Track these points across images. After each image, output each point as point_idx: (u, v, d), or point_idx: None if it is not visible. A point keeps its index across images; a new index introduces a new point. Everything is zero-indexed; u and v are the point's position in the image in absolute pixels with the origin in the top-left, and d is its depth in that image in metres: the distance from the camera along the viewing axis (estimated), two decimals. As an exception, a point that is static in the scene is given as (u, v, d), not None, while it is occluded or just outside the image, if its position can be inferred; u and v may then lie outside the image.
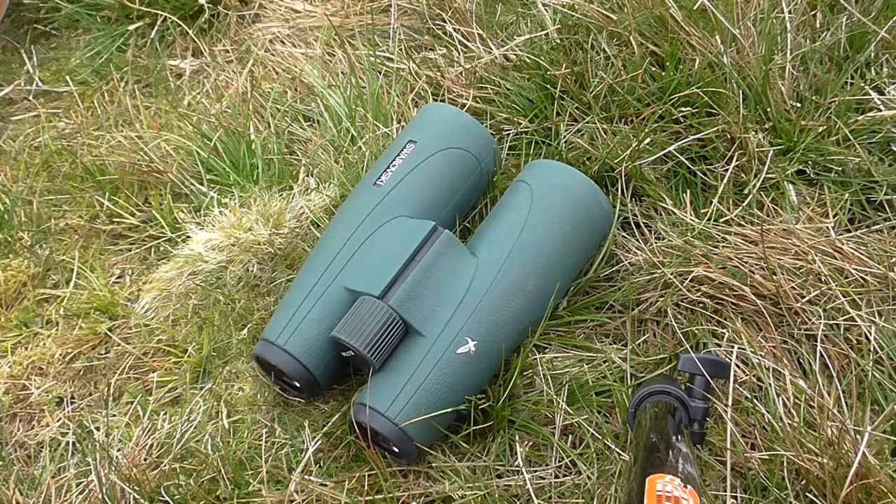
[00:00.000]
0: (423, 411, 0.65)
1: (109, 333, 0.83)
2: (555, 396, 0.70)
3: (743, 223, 0.78)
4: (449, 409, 0.66)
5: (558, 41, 0.93)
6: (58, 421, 0.78)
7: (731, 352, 0.70)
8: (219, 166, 0.92)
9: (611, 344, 0.75)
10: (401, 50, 1.01)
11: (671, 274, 0.74)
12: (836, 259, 0.73)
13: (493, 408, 0.69)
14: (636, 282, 0.76)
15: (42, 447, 0.76)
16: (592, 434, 0.68)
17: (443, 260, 0.70)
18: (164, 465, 0.71)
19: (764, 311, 0.72)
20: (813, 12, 0.90)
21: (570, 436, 0.70)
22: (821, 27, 0.89)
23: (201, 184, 0.92)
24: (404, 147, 0.78)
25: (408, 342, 0.68)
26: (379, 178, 0.77)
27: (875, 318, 0.70)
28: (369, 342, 0.66)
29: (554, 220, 0.73)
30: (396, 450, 0.67)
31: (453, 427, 0.69)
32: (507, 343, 0.70)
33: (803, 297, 0.71)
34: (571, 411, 0.70)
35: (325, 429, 0.72)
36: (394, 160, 0.77)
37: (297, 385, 0.72)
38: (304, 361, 0.70)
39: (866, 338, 0.69)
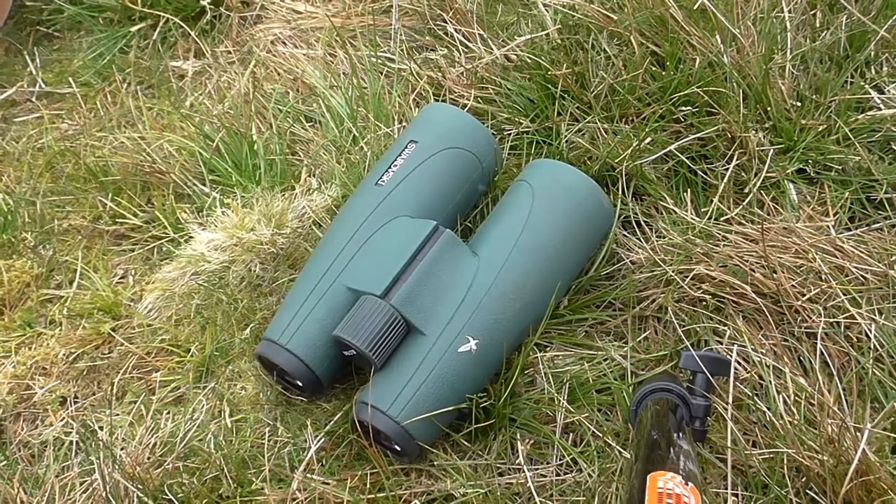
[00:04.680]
0: (425, 410, 0.66)
1: (113, 333, 0.84)
2: (556, 395, 0.70)
3: (743, 222, 0.78)
4: (450, 408, 0.67)
5: (559, 41, 0.93)
6: (61, 420, 0.78)
7: (732, 349, 0.70)
8: (221, 167, 0.92)
9: (612, 342, 0.75)
10: (402, 50, 1.01)
11: (672, 272, 0.75)
12: (837, 257, 0.73)
13: (495, 406, 0.69)
14: (637, 280, 0.77)
15: (46, 446, 0.77)
16: (593, 432, 0.68)
17: (444, 259, 0.70)
18: (168, 464, 0.71)
19: (764, 308, 0.72)
20: (813, 11, 0.90)
21: (571, 434, 0.70)
22: (821, 26, 0.90)
23: (204, 184, 0.92)
24: (405, 147, 0.78)
25: (409, 341, 0.69)
26: (380, 178, 0.77)
27: (875, 315, 0.70)
28: (371, 341, 0.66)
29: (555, 220, 0.73)
30: (398, 448, 0.67)
31: (455, 425, 0.69)
32: (508, 342, 0.70)
33: (804, 295, 0.71)
34: (572, 409, 0.70)
35: (328, 427, 0.72)
36: (395, 160, 0.78)
37: (300, 384, 0.72)
38: (306, 360, 0.70)
39: (866, 335, 0.69)
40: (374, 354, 0.67)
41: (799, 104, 0.84)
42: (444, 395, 0.67)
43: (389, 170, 0.77)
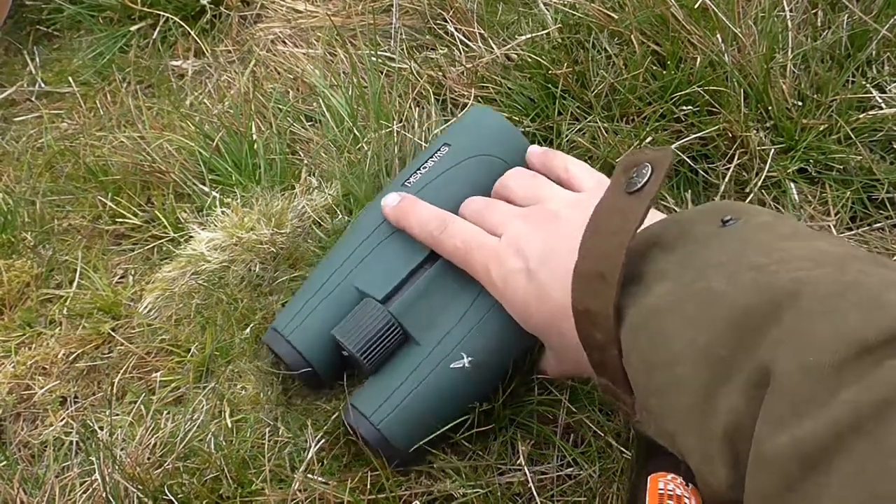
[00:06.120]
0: (408, 420, 0.65)
1: (112, 333, 0.83)
2: (557, 394, 0.70)
3: (744, 221, 0.78)
4: (432, 424, 0.66)
5: (559, 40, 0.93)
6: (61, 420, 0.78)
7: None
8: (221, 166, 0.92)
9: (612, 342, 0.75)
10: (402, 50, 1.01)
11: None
12: (838, 257, 0.73)
13: (495, 407, 0.69)
14: (638, 280, 0.76)
15: (46, 447, 0.76)
16: (594, 432, 0.68)
17: (452, 271, 0.68)
18: (168, 464, 0.71)
19: (765, 309, 0.72)
20: (814, 10, 0.90)
21: (572, 434, 0.70)
22: (822, 25, 0.90)
23: (203, 184, 0.92)
24: (438, 150, 0.76)
25: (404, 350, 0.68)
26: (409, 178, 0.74)
27: (877, 315, 0.70)
28: (363, 346, 0.66)
29: None
30: (380, 454, 0.67)
31: (455, 426, 0.69)
32: (503, 364, 0.68)
33: (805, 295, 0.71)
34: (573, 409, 0.70)
35: (327, 427, 0.72)
36: (426, 162, 0.75)
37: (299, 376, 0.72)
38: (304, 354, 0.70)
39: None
40: (364, 359, 0.66)
41: (800, 103, 0.83)
42: (430, 408, 0.66)
43: (419, 171, 0.75)
